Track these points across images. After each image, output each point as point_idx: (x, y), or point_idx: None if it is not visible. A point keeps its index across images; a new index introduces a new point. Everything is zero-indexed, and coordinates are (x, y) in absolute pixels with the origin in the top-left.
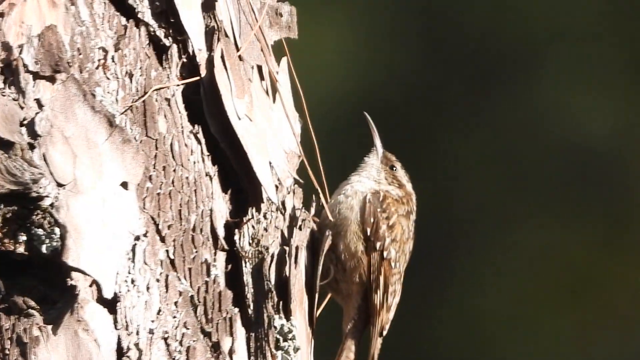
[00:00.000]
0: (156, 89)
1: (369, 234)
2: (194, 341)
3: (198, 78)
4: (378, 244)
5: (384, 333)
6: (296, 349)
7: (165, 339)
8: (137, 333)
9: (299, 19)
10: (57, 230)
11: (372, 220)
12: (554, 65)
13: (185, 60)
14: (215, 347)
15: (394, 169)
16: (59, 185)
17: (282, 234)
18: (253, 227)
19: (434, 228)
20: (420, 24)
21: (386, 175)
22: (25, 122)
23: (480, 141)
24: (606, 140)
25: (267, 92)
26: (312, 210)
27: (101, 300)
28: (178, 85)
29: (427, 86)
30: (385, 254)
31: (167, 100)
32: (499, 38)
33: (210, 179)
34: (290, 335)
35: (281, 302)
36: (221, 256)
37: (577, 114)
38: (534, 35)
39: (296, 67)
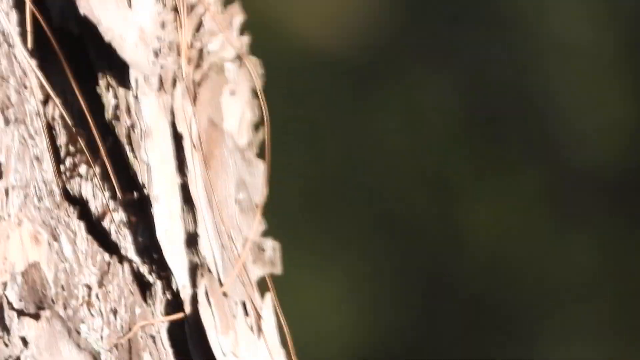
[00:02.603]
0: (141, 326)
1: None
2: None
3: (182, 315)
4: None
5: None
6: None
7: None
8: None
9: (285, 255)
10: None
11: None
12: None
13: (169, 297)
14: None
15: None
16: None
17: None
18: None
19: None
20: (419, 289)
21: None
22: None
23: None
24: None
25: (251, 329)
26: None
27: None
28: (163, 322)
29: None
30: None
31: (152, 337)
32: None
33: None
34: None
35: None
36: None
37: None
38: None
39: (283, 304)
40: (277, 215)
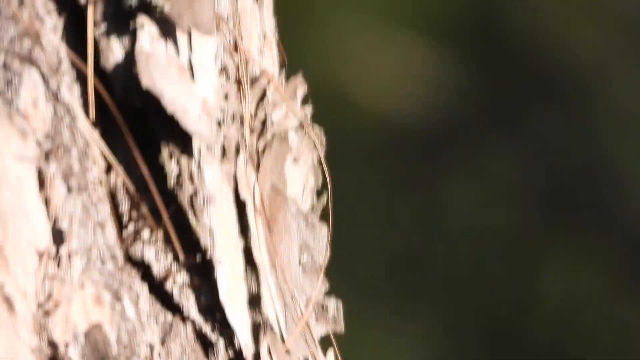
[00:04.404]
0: None
1: None
2: None
3: None
4: None
5: None
6: None
7: None
8: None
9: (349, 313)
10: None
11: None
12: None
13: (231, 355)
14: None
15: None
16: None
17: None
18: None
19: None
20: (493, 345)
21: None
22: None
23: None
24: None
25: None
26: None
27: None
28: None
29: None
30: None
31: None
32: None
33: None
34: None
35: None
36: None
37: None
38: None
39: None
40: (340, 276)
